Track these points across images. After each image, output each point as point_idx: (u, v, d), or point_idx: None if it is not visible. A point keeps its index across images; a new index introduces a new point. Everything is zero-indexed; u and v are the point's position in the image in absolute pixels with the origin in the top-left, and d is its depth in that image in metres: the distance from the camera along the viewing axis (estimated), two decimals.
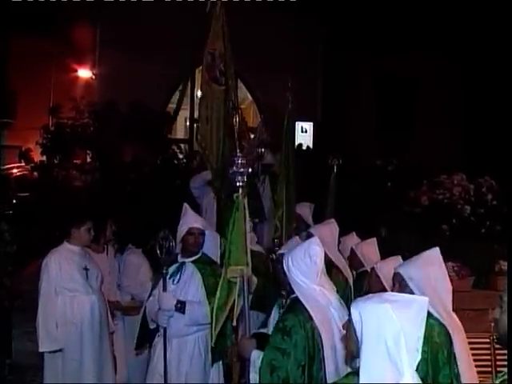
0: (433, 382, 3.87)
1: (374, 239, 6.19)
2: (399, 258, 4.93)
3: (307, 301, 4.01)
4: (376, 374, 2.79)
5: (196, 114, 13.38)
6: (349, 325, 3.00)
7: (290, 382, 3.87)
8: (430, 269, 4.20)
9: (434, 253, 4.31)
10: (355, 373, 2.93)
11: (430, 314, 3.87)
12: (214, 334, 4.62)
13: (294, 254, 4.15)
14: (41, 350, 5.89)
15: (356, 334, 2.91)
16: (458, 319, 4.32)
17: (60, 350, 5.90)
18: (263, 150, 9.52)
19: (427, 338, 3.73)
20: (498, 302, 2.79)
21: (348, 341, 3.03)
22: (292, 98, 8.09)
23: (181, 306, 5.30)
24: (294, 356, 3.89)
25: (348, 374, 3.06)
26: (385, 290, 4.61)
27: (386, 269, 4.93)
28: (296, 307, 4.04)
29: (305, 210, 7.93)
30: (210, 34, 7.25)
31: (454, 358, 4.01)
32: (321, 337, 3.94)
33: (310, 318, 3.97)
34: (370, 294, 3.09)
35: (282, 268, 4.16)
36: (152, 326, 5.50)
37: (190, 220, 5.55)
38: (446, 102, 18.42)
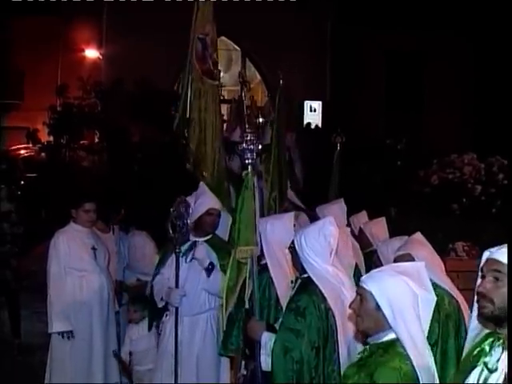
0: (441, 349, 4.04)
1: (383, 218, 6.12)
2: (403, 239, 4.89)
3: (320, 281, 3.95)
4: (418, 341, 2.91)
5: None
6: (364, 303, 2.97)
7: (304, 364, 3.82)
8: (426, 248, 4.42)
9: (419, 235, 4.54)
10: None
11: (437, 285, 4.02)
12: (224, 316, 4.57)
13: (308, 233, 4.07)
14: (51, 330, 5.86)
15: (381, 313, 2.94)
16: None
17: (70, 331, 5.87)
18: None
19: (438, 305, 3.88)
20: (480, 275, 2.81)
21: (364, 318, 3.00)
22: (283, 75, 7.49)
23: (210, 268, 5.27)
24: (307, 337, 3.83)
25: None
26: None
27: (386, 249, 4.91)
28: (309, 287, 3.98)
29: (289, 192, 7.64)
30: (197, 15, 6.31)
31: (465, 330, 4.08)
32: (334, 318, 3.89)
33: (324, 298, 3.91)
34: (375, 270, 3.14)
35: (294, 247, 4.10)
36: (160, 305, 5.46)
37: (209, 201, 5.49)
38: (456, 81, 18.25)
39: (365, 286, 3.00)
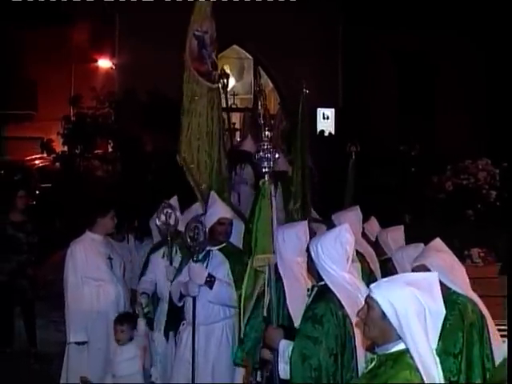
0: (466, 358, 4.00)
1: (402, 227, 6.10)
2: (419, 247, 4.87)
3: (337, 288, 3.95)
4: (424, 353, 2.87)
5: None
6: (371, 312, 2.97)
7: (322, 371, 3.82)
8: (444, 255, 4.34)
9: (438, 242, 4.47)
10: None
11: (459, 293, 4.11)
12: (242, 325, 4.57)
13: (324, 240, 4.07)
14: (71, 340, 5.87)
15: (388, 321, 2.92)
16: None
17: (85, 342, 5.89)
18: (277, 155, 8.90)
19: (462, 314, 4.05)
20: None
21: (370, 327, 3.00)
22: (307, 84, 7.32)
23: (211, 280, 5.26)
24: (325, 344, 3.83)
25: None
26: None
27: (401, 256, 4.88)
28: (326, 295, 3.98)
29: None
30: (194, 11, 5.82)
31: (488, 339, 4.15)
32: (352, 325, 3.89)
33: (341, 305, 3.92)
34: (384, 279, 3.13)
35: (309, 255, 4.10)
36: (179, 304, 5.46)
37: (220, 210, 5.52)
38: (468, 86, 18.18)
39: (371, 294, 2.99)
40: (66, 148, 13.53)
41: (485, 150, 12.00)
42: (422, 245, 4.96)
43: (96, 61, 19.53)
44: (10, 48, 19.24)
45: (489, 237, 7.04)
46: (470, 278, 4.59)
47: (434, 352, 2.91)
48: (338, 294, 3.92)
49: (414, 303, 2.89)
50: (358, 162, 8.25)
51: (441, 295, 2.98)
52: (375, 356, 3.04)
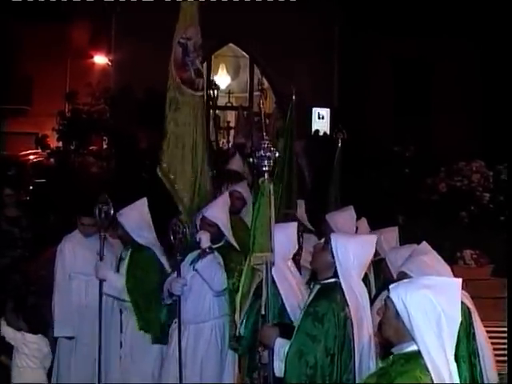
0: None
1: (396, 228, 6.12)
2: (413, 247, 4.90)
3: (348, 290, 3.96)
4: (436, 356, 2.87)
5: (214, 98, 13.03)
6: (387, 311, 3.00)
7: (318, 370, 3.83)
8: (426, 257, 4.39)
9: (422, 245, 4.56)
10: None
11: None
12: (238, 322, 4.57)
13: (354, 243, 4.08)
14: (55, 335, 5.90)
15: (401, 321, 2.95)
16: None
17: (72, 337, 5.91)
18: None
19: None
20: None
21: (386, 326, 3.03)
22: (291, 82, 7.26)
23: (208, 252, 5.27)
24: (324, 343, 3.84)
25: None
26: (393, 278, 4.66)
27: (394, 256, 4.92)
28: (330, 294, 3.98)
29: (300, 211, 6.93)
30: (179, 18, 5.77)
31: (474, 335, 4.20)
32: (352, 327, 3.90)
33: (344, 306, 3.92)
34: (405, 280, 3.12)
35: (331, 249, 4.06)
36: (168, 302, 5.48)
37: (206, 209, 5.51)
38: (463, 88, 18.21)
39: (389, 293, 3.03)
40: (60, 144, 13.51)
41: (479, 151, 12.03)
42: (415, 245, 5.00)
43: (92, 57, 19.50)
44: (5, 43, 19.19)
45: (482, 239, 7.07)
46: (462, 280, 4.62)
47: (451, 357, 2.90)
48: (347, 296, 3.93)
49: (428, 306, 2.90)
50: (353, 163, 8.26)
51: (459, 301, 2.98)
52: (390, 356, 3.07)
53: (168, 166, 5.72)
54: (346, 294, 3.93)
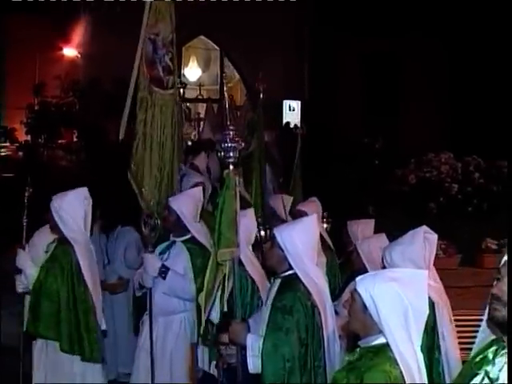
0: None
1: (372, 221, 6.16)
2: (382, 236, 4.95)
3: (306, 279, 3.97)
4: (403, 348, 2.87)
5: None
6: (354, 304, 2.99)
7: (296, 361, 3.82)
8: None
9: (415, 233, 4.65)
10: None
11: None
12: (203, 320, 4.53)
13: (297, 230, 4.08)
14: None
15: (369, 314, 2.96)
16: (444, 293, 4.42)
17: None
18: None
19: None
20: (495, 276, 2.69)
21: (353, 319, 3.03)
22: (262, 74, 7.34)
23: (164, 271, 5.26)
24: (296, 334, 3.85)
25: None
26: (365, 268, 4.70)
27: (367, 246, 4.97)
28: (292, 286, 3.99)
29: (278, 203, 6.86)
30: (148, 13, 5.47)
31: (433, 328, 4.31)
32: (320, 315, 3.91)
33: (309, 296, 3.93)
34: (372, 272, 3.13)
35: (277, 244, 4.08)
36: (138, 294, 5.46)
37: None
38: (431, 82, 18.37)
39: (356, 286, 3.02)
40: (29, 137, 13.37)
41: (447, 144, 12.14)
42: (383, 235, 5.06)
43: (61, 49, 19.25)
44: None
45: (450, 229, 7.13)
46: (436, 270, 4.68)
47: (418, 349, 2.92)
48: (307, 285, 3.93)
49: (395, 299, 2.90)
50: (322, 155, 8.32)
51: (426, 293, 2.99)
52: (357, 349, 3.07)
53: (136, 168, 5.54)
54: (305, 283, 3.95)
